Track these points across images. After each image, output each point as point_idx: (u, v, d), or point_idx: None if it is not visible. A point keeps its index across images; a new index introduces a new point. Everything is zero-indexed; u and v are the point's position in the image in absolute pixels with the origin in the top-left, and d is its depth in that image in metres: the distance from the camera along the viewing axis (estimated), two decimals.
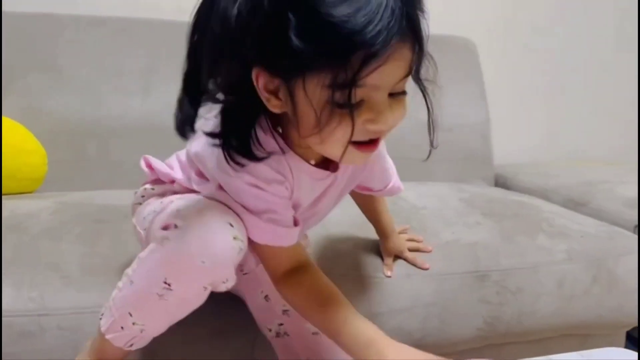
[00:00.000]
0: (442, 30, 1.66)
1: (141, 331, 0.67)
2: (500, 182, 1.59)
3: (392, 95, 0.56)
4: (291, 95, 0.55)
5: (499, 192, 1.34)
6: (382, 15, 0.49)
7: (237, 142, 0.60)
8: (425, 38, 0.55)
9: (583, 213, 1.25)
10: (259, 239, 0.66)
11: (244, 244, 0.63)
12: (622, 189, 1.35)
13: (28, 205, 1.03)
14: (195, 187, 0.72)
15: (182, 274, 0.61)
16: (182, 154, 0.78)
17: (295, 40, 0.50)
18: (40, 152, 1.21)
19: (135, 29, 1.43)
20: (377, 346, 0.61)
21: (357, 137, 0.56)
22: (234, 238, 0.61)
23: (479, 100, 1.60)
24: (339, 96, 0.53)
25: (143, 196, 0.82)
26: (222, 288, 0.64)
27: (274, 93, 0.57)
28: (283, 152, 0.64)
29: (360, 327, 0.64)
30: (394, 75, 0.54)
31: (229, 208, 0.64)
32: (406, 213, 1.10)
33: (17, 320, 0.77)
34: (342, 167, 0.70)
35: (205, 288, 0.63)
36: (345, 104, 0.53)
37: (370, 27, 0.49)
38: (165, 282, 0.62)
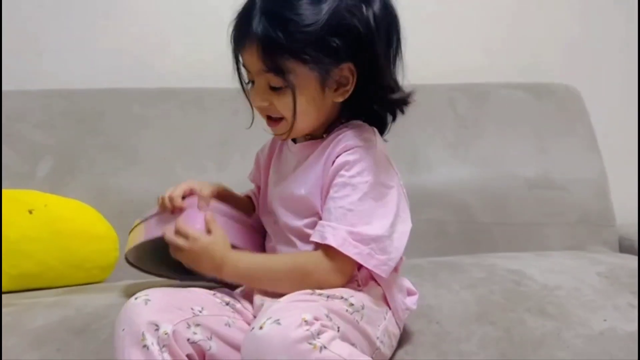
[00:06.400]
0: (539, 78, 1.51)
1: None
2: (626, 247, 1.34)
3: (274, 89, 0.75)
4: None
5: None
6: (241, 27, 0.75)
7: None
8: (273, 44, 0.71)
9: None
10: None
11: (149, 295, 0.68)
12: None
13: (96, 301, 0.90)
14: None
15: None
16: None
17: None
18: (112, 237, 1.11)
19: (206, 100, 1.35)
20: None
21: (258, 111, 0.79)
22: (135, 298, 0.68)
23: (591, 152, 1.39)
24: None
25: None
26: (165, 338, 0.64)
27: None
28: None
29: None
30: (251, 63, 0.75)
31: None
32: (537, 296, 0.89)
33: None
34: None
35: (146, 347, 0.63)
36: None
37: (234, 34, 0.76)
38: None
